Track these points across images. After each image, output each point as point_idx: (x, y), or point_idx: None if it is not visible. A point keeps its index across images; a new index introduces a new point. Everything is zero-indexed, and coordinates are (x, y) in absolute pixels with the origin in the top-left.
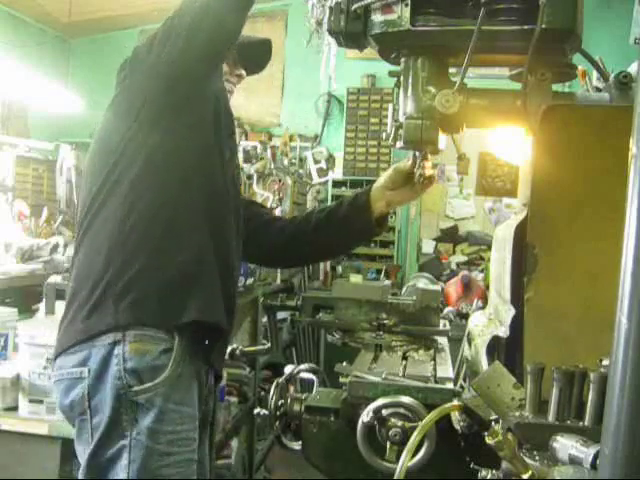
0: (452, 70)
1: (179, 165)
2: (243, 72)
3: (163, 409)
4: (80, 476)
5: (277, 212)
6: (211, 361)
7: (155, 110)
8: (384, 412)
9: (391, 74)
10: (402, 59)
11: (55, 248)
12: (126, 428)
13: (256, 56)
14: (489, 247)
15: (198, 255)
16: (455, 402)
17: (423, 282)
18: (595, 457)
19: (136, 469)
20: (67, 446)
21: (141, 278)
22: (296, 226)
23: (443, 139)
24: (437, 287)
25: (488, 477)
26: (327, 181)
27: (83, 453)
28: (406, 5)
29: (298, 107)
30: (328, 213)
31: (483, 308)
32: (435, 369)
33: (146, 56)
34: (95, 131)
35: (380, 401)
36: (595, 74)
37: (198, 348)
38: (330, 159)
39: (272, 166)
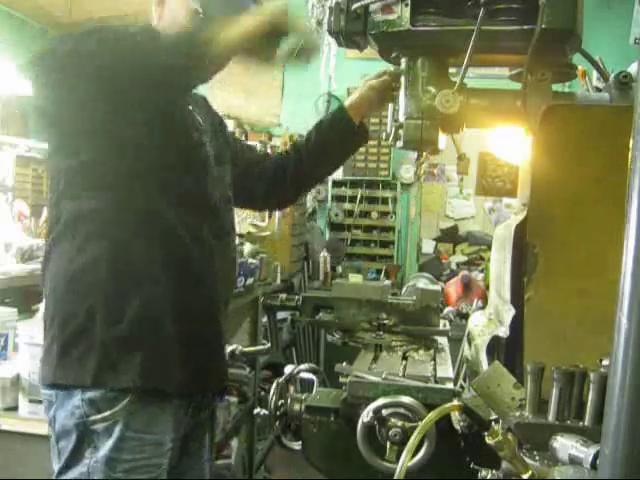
0: (452, 70)
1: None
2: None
3: (121, 437)
4: None
5: (277, 212)
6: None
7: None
8: (384, 412)
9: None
10: (402, 59)
11: None
12: (86, 456)
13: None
14: (489, 247)
15: (146, 312)
16: (455, 402)
17: (423, 282)
18: (595, 457)
19: None
20: None
21: (82, 335)
22: (289, 157)
23: (443, 139)
24: (437, 287)
25: (488, 477)
26: (327, 181)
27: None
28: (406, 5)
29: (298, 107)
30: (315, 132)
31: (483, 308)
32: (435, 369)
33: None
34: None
35: (380, 401)
36: (595, 74)
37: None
38: None
39: None
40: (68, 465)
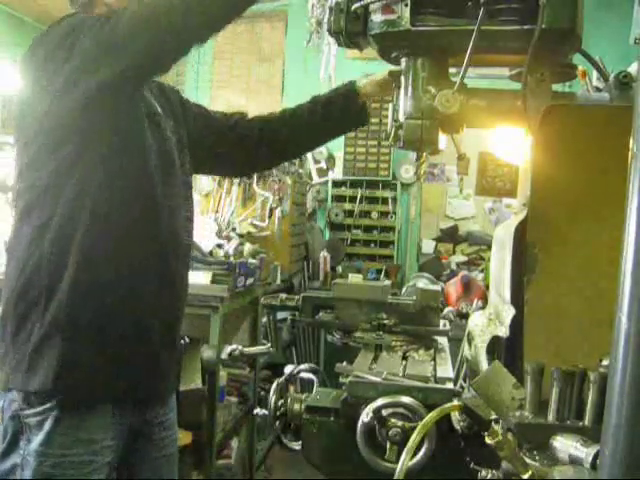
0: (452, 70)
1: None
2: None
3: (51, 432)
4: None
5: (277, 212)
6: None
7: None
8: (384, 412)
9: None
10: (402, 59)
11: None
12: (21, 447)
13: None
14: (489, 247)
15: (58, 319)
16: (455, 402)
17: (423, 282)
18: (595, 457)
19: None
20: None
21: (13, 339)
22: (278, 124)
23: (443, 139)
24: (437, 287)
25: (488, 477)
26: (327, 181)
27: None
28: (406, 5)
29: None
30: (316, 101)
31: (483, 308)
32: (435, 369)
33: (61, 60)
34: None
35: (380, 401)
36: (595, 74)
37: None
38: (330, 159)
39: None
40: (5, 454)
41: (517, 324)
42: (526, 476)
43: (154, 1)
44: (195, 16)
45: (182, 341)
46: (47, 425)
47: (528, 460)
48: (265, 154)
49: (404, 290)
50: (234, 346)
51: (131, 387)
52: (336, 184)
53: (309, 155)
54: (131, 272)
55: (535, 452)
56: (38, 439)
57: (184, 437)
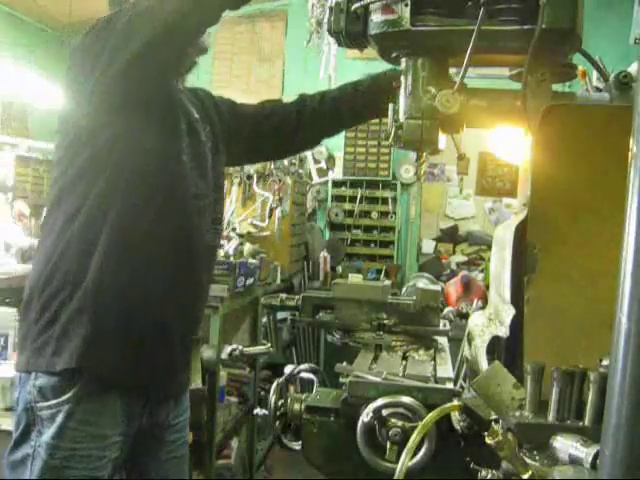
0: (452, 70)
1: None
2: None
3: (62, 426)
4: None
5: (277, 212)
6: (145, 390)
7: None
8: (384, 412)
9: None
10: (402, 59)
11: None
12: (32, 438)
13: None
14: (489, 247)
15: (85, 303)
16: (455, 402)
17: (423, 282)
18: (595, 457)
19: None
20: None
21: (37, 323)
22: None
23: (443, 139)
24: (437, 287)
25: (488, 477)
26: (327, 181)
27: None
28: (406, 5)
29: None
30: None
31: (483, 308)
32: (435, 369)
33: (95, 58)
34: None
35: (380, 401)
36: (595, 74)
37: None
38: (330, 159)
39: (272, 166)
40: (17, 444)
41: (517, 324)
42: (526, 476)
43: None
44: None
45: None
46: (59, 419)
47: (528, 460)
48: (304, 136)
49: (404, 290)
50: (234, 346)
51: (147, 377)
52: (336, 184)
53: (309, 155)
54: (156, 264)
55: (535, 452)
56: (50, 432)
57: None
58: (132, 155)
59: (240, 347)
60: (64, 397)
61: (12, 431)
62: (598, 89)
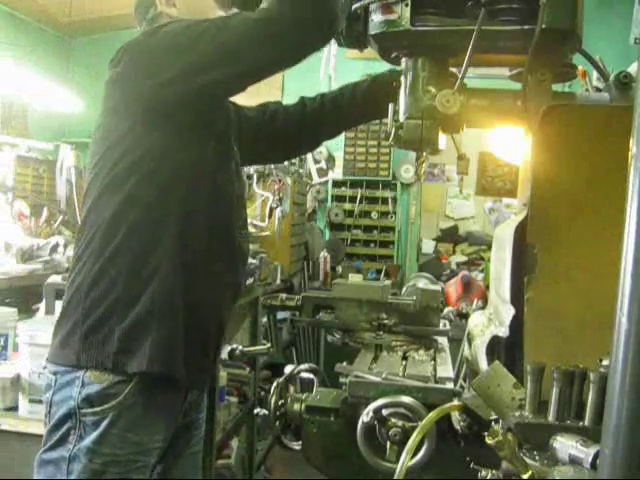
0: (452, 70)
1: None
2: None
3: (105, 433)
4: (34, 465)
5: (277, 212)
6: (188, 385)
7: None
8: (384, 412)
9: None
10: (402, 59)
11: (55, 248)
12: (70, 442)
13: None
14: (489, 247)
15: (157, 303)
16: (455, 402)
17: (423, 282)
18: (595, 457)
19: None
20: None
21: (103, 323)
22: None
23: (443, 139)
24: (437, 287)
25: (488, 477)
26: (327, 181)
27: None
28: (406, 5)
29: None
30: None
31: (483, 308)
32: (435, 369)
33: (159, 65)
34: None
35: (380, 401)
36: (595, 74)
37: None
38: (330, 159)
39: (272, 166)
40: (54, 445)
41: (517, 324)
42: (526, 476)
43: (266, 11)
44: (308, 27)
45: None
46: (103, 425)
47: (528, 460)
48: (305, 139)
49: (404, 290)
50: (234, 346)
51: (199, 377)
52: (336, 184)
53: (309, 155)
54: (214, 265)
55: (535, 452)
56: (92, 437)
57: None
58: (192, 161)
59: (240, 347)
60: (110, 404)
61: (45, 427)
62: (598, 89)
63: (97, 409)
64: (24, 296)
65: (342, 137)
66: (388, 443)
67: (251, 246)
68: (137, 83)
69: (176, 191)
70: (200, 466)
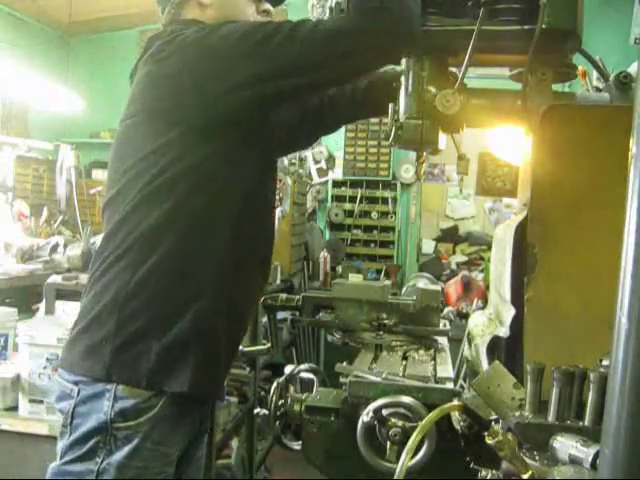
0: (452, 70)
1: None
2: (269, 6)
3: (138, 447)
4: (48, 475)
5: (277, 212)
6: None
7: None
8: (384, 412)
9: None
10: (402, 59)
11: (55, 248)
12: (99, 455)
13: None
14: (489, 247)
15: (201, 322)
16: (455, 402)
17: (423, 282)
18: (595, 457)
19: None
20: None
21: (138, 338)
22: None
23: (443, 139)
24: (437, 287)
25: (488, 477)
26: (327, 181)
27: (57, 457)
28: None
29: None
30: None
31: (483, 308)
32: (435, 369)
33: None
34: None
35: (380, 401)
36: (595, 74)
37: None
38: (330, 159)
39: None
40: (76, 459)
41: (517, 324)
42: (526, 476)
43: (336, 23)
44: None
45: None
46: (136, 440)
47: (528, 460)
48: (329, 120)
49: (404, 290)
50: None
51: (221, 391)
52: (336, 184)
53: (309, 155)
54: (250, 285)
55: (535, 452)
56: (123, 452)
57: None
58: (242, 172)
59: (240, 347)
60: (144, 418)
61: (64, 437)
62: (598, 89)
63: (131, 423)
64: (24, 296)
65: (342, 137)
66: (388, 443)
67: None
68: (196, 86)
69: (227, 203)
70: (203, 468)
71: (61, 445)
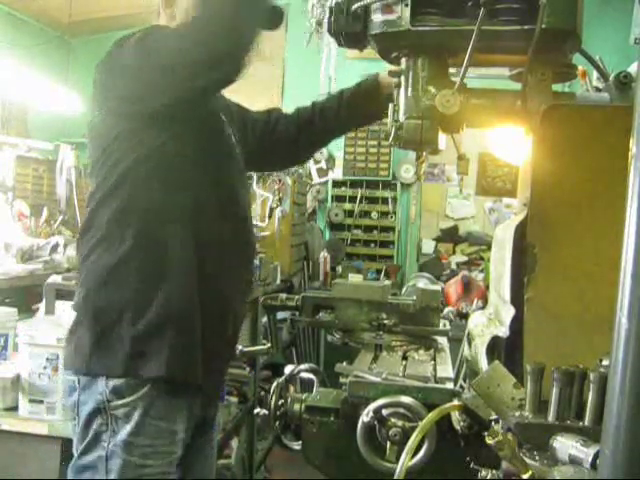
0: (452, 70)
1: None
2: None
3: (140, 423)
4: (68, 475)
5: (277, 212)
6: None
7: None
8: (384, 412)
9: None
10: (402, 59)
11: (55, 248)
12: (105, 439)
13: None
14: (489, 247)
15: (171, 306)
16: (455, 402)
17: (423, 282)
18: (595, 457)
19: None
20: (67, 446)
21: (113, 326)
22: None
23: (443, 139)
24: (437, 287)
25: (488, 477)
26: (327, 181)
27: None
28: (406, 5)
29: None
30: (342, 94)
31: (483, 308)
32: (435, 369)
33: (140, 67)
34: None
35: (380, 401)
36: (595, 74)
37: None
38: (330, 159)
39: None
40: (87, 449)
41: (517, 324)
42: (526, 476)
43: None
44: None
45: None
46: (136, 415)
47: (528, 460)
48: (304, 147)
49: (404, 290)
50: None
51: (215, 379)
52: (336, 184)
53: None
54: (229, 268)
55: (535, 452)
56: (126, 430)
57: None
58: (191, 158)
59: (240, 347)
60: (140, 393)
61: (75, 432)
62: (598, 89)
63: (127, 400)
64: (24, 296)
65: (342, 137)
66: (388, 443)
67: None
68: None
69: (184, 188)
70: (214, 464)
71: (74, 441)
